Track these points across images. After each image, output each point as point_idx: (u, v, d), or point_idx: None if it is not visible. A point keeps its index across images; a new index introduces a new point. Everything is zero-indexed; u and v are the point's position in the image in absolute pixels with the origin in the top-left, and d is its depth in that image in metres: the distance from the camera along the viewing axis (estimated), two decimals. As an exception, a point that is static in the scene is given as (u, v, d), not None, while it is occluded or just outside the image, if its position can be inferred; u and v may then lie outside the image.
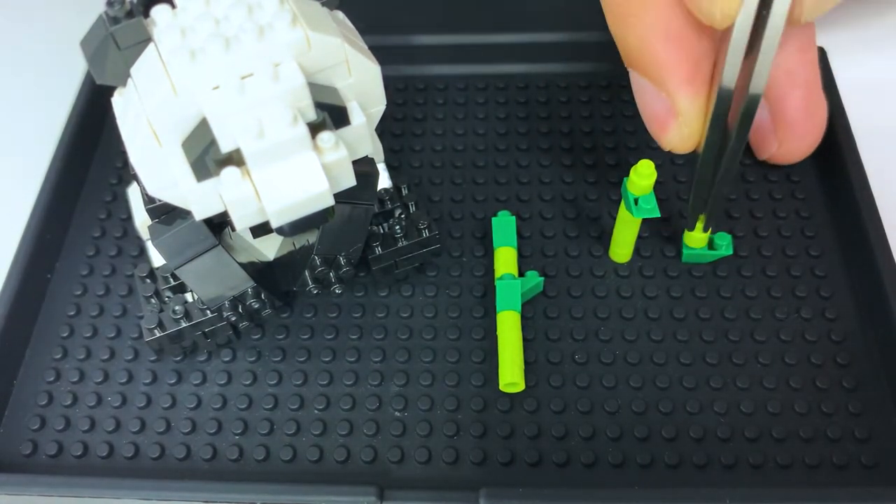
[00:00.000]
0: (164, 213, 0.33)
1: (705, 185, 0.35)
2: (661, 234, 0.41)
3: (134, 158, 0.29)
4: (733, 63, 0.31)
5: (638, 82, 0.35)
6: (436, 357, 0.37)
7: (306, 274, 0.36)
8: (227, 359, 0.38)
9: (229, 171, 0.27)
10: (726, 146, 0.33)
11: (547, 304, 0.39)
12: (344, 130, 0.30)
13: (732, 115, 0.33)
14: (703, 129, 0.34)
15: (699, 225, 0.38)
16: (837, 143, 0.42)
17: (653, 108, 0.34)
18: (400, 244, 0.37)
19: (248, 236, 0.35)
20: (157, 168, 0.29)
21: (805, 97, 0.38)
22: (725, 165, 0.34)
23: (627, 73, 0.34)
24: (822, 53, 0.46)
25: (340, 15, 0.32)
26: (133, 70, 0.29)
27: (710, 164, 0.34)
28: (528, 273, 0.39)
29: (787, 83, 0.37)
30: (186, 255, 0.34)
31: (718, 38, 0.32)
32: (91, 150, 0.46)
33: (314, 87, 0.28)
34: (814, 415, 0.35)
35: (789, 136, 0.40)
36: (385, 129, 0.46)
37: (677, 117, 0.33)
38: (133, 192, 0.40)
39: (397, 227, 0.37)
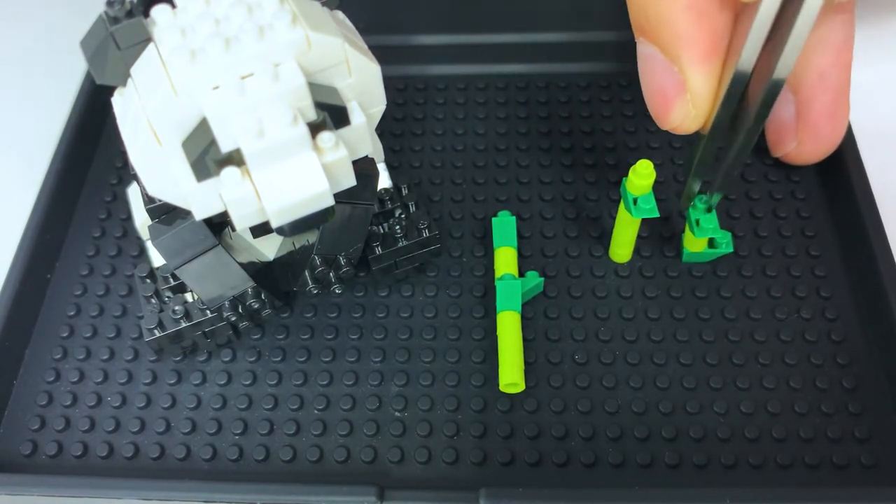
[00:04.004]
0: (164, 213, 0.33)
1: (707, 168, 0.34)
2: (661, 234, 0.41)
3: (134, 158, 0.29)
4: (755, 43, 0.29)
5: (646, 52, 0.32)
6: (436, 357, 0.37)
7: (306, 274, 0.36)
8: (227, 359, 0.38)
9: (229, 171, 0.27)
10: (736, 129, 0.32)
11: (547, 304, 0.39)
12: (344, 130, 0.30)
13: (750, 97, 0.31)
14: (711, 110, 0.32)
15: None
16: (837, 143, 0.42)
17: (659, 81, 0.32)
18: (400, 244, 0.37)
19: (248, 236, 0.35)
20: (158, 168, 0.29)
21: (833, 102, 0.36)
22: (737, 151, 0.32)
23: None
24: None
25: (340, 15, 0.32)
26: (133, 70, 0.29)
27: (714, 146, 0.33)
28: (529, 273, 0.39)
29: (819, 86, 0.35)
30: (186, 255, 0.34)
31: (739, 12, 0.30)
32: (91, 150, 0.46)
33: (314, 87, 0.28)
34: (814, 415, 0.35)
35: (810, 138, 0.38)
36: (385, 129, 0.46)
37: (685, 95, 0.31)
38: (133, 192, 0.40)
39: (397, 227, 0.37)
